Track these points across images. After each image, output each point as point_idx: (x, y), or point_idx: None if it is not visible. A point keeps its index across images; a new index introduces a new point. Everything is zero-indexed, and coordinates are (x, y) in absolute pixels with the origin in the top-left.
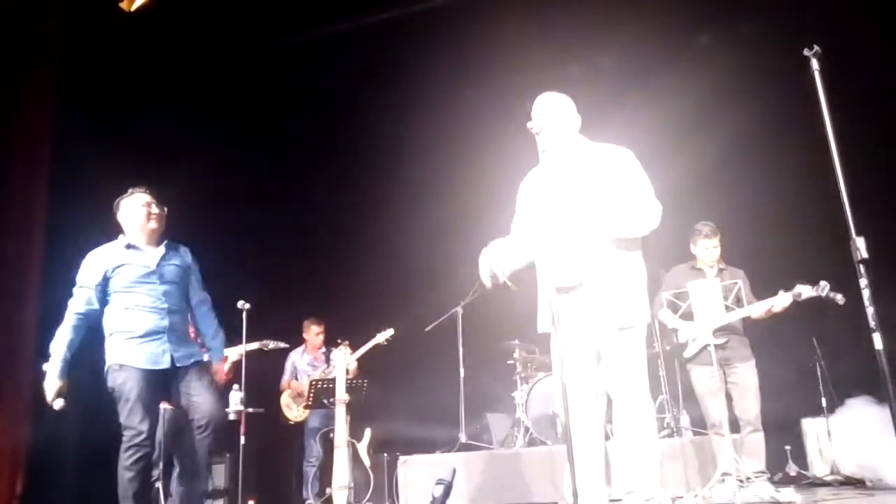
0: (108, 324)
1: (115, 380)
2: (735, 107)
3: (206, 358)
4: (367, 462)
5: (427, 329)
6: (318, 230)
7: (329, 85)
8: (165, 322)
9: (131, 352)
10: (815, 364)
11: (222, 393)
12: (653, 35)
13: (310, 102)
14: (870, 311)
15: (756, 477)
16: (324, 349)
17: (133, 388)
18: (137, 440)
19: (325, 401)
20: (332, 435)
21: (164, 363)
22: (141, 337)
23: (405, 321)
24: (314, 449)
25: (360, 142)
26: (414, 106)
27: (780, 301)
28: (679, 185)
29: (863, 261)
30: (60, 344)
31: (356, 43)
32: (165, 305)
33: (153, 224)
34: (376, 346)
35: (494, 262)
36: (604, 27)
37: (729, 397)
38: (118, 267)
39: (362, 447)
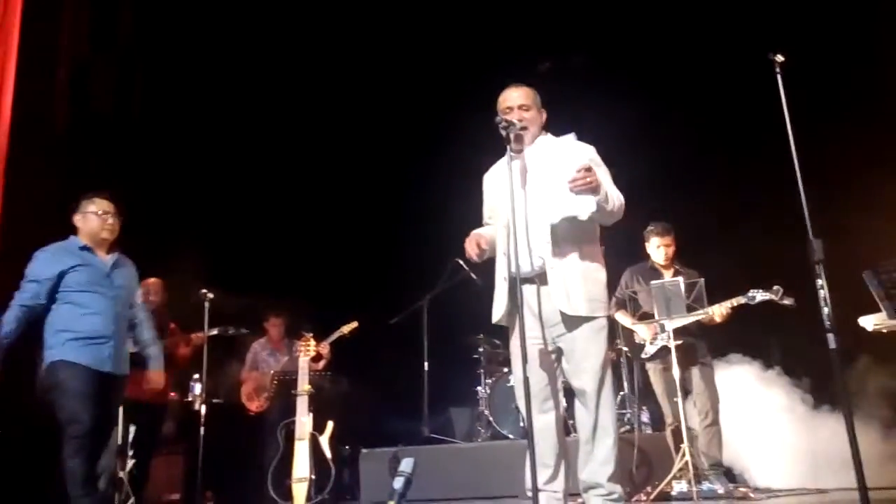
0: (55, 322)
1: (58, 376)
2: (695, 109)
3: None
4: (328, 454)
5: (392, 322)
6: (283, 221)
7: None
8: (113, 327)
9: (77, 351)
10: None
11: (181, 382)
12: (614, 35)
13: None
14: (825, 311)
15: (712, 471)
16: (286, 340)
17: (79, 384)
18: (82, 432)
19: (289, 392)
20: (293, 427)
21: (107, 367)
22: (88, 338)
23: (370, 313)
24: (275, 441)
25: (324, 135)
26: (380, 101)
27: (736, 301)
28: (637, 188)
29: (819, 262)
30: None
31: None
32: (114, 311)
33: (105, 234)
34: (340, 338)
35: (481, 238)
36: (567, 25)
37: (688, 395)
38: (75, 266)
39: (324, 439)
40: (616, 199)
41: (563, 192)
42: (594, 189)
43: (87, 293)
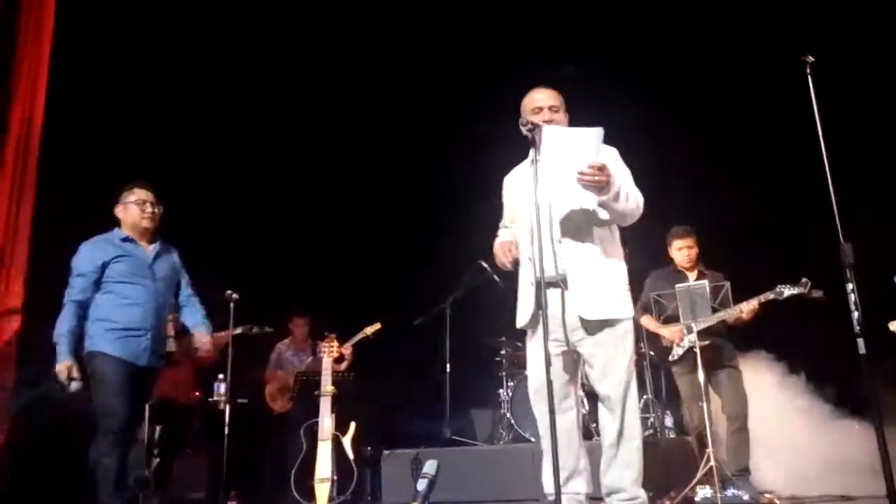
0: (96, 311)
1: (94, 367)
2: (725, 110)
3: None
4: (350, 455)
5: (415, 323)
6: (307, 222)
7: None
8: (152, 320)
9: (115, 343)
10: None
11: (206, 382)
12: (640, 34)
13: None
14: (855, 315)
15: (738, 476)
16: (310, 341)
17: (114, 376)
18: (116, 426)
19: (312, 393)
20: (316, 427)
21: (143, 360)
22: (125, 329)
23: (392, 315)
24: (298, 441)
25: (344, 137)
26: (403, 100)
27: (764, 297)
28: (664, 190)
29: (850, 266)
30: (63, 332)
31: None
32: (154, 303)
33: (146, 223)
34: (363, 339)
35: (512, 245)
36: (589, 26)
37: (715, 399)
38: (116, 258)
39: (346, 440)
40: (632, 199)
41: (575, 185)
42: (600, 188)
43: (128, 284)
